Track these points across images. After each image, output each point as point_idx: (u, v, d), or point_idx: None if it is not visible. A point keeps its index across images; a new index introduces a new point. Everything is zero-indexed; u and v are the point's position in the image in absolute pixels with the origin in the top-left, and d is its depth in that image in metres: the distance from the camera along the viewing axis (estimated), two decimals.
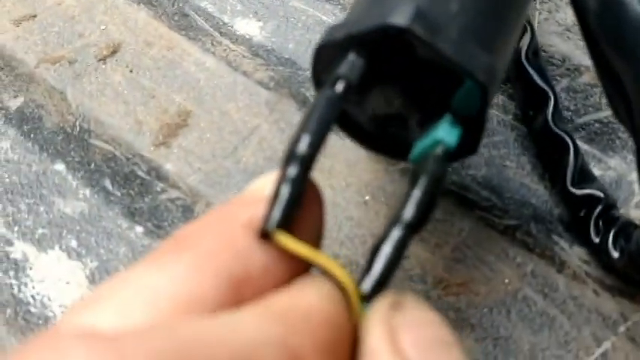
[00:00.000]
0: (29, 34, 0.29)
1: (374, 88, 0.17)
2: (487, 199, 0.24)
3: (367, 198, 0.24)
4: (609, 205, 0.22)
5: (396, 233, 0.13)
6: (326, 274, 0.12)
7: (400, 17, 0.14)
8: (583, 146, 0.25)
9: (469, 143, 0.16)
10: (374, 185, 0.24)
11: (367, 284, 0.12)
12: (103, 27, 0.29)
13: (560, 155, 0.23)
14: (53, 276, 0.24)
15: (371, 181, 0.24)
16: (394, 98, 0.17)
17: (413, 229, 0.13)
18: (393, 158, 0.20)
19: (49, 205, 0.25)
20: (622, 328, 0.21)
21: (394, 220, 0.13)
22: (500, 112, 0.26)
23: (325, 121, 0.13)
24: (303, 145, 0.13)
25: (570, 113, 0.26)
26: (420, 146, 0.15)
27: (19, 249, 0.24)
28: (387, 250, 0.13)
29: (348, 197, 0.24)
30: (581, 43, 0.27)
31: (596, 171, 0.24)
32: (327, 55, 0.16)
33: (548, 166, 0.24)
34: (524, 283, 0.22)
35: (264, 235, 0.12)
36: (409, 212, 0.13)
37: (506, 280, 0.22)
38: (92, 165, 0.26)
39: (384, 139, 0.18)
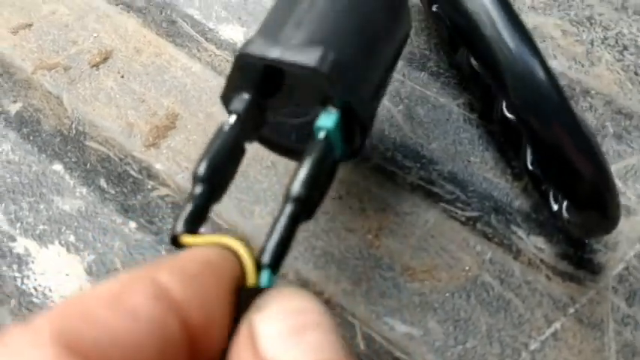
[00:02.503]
0: (26, 42, 0.31)
1: (277, 109, 0.20)
2: (451, 193, 0.26)
3: (342, 193, 0.26)
4: None
5: (286, 209, 0.16)
6: (226, 248, 0.15)
7: (247, 46, 0.19)
8: None
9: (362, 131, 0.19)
10: (348, 181, 0.26)
11: (265, 254, 0.15)
12: (95, 35, 0.31)
13: (517, 140, 0.25)
14: (53, 269, 0.26)
15: (345, 178, 0.26)
16: (299, 113, 0.20)
17: (301, 202, 0.16)
18: None
19: (49, 202, 0.27)
20: (571, 310, 0.23)
21: (284, 199, 0.16)
22: (466, 111, 0.28)
23: (221, 148, 0.17)
24: (201, 169, 0.17)
25: None
26: None
27: (22, 244, 0.26)
28: (280, 224, 0.16)
29: None
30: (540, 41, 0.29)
31: None
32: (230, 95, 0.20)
33: (510, 150, 0.26)
34: (483, 270, 0.24)
35: (174, 240, 0.15)
36: (295, 188, 0.16)
37: (467, 267, 0.24)
38: (88, 165, 0.28)
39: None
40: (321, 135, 0.18)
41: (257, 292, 0.14)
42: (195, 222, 0.16)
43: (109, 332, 0.12)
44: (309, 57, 0.18)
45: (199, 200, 0.16)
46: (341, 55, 0.18)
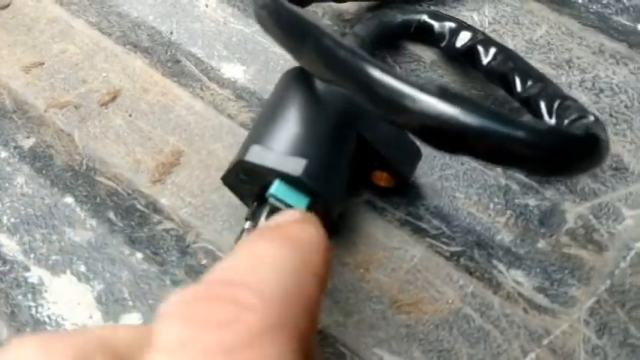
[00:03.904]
0: (38, 80, 0.33)
1: None
2: (437, 228, 0.28)
3: (335, 228, 0.28)
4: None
5: None
6: None
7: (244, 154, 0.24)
8: (523, 179, 0.29)
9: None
10: (341, 217, 0.28)
11: None
12: (104, 74, 0.33)
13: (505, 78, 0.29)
14: (66, 298, 0.28)
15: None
16: None
17: None
18: None
19: (61, 234, 0.29)
20: (545, 341, 0.25)
21: None
22: None
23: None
24: None
25: None
26: None
27: (36, 274, 0.28)
28: None
29: None
30: None
31: (533, 201, 0.28)
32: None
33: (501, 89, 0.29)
34: (465, 303, 0.26)
35: None
36: None
37: (450, 301, 0.26)
38: (98, 199, 0.30)
39: None
40: (270, 200, 0.23)
41: None
42: None
43: None
44: (295, 168, 0.23)
45: None
46: (318, 161, 0.23)
